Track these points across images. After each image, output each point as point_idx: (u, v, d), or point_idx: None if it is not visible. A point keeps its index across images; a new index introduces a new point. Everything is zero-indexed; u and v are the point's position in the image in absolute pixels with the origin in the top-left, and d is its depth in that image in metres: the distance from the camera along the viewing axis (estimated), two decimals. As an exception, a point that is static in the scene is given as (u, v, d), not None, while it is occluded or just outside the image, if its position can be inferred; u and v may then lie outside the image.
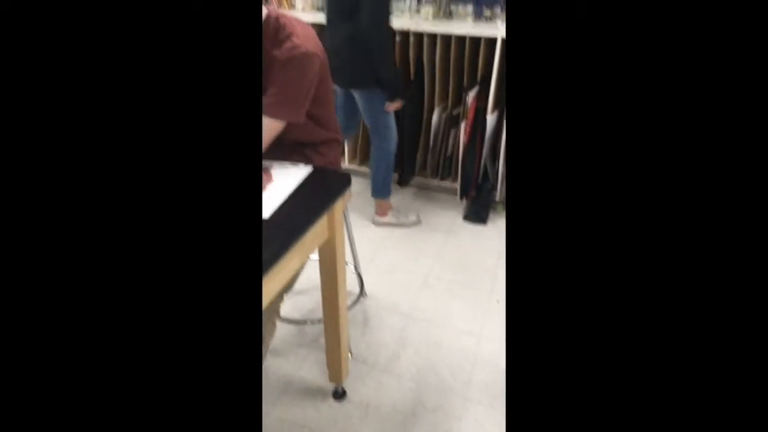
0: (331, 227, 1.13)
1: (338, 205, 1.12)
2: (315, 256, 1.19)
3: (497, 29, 2.07)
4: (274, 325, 1.20)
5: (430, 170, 2.55)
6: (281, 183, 1.09)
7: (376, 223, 2.27)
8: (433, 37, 2.23)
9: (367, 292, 1.83)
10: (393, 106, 1.92)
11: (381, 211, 2.26)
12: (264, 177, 1.11)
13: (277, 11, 1.12)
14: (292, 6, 2.59)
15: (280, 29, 1.09)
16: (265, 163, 1.18)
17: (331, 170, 1.16)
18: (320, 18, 2.35)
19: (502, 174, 2.33)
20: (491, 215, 2.33)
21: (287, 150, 1.27)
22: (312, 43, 1.11)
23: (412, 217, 2.29)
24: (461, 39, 2.23)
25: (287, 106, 1.13)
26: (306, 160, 1.31)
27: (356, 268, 1.82)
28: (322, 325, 1.57)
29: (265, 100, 1.13)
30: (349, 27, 1.73)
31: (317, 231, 1.06)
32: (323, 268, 1.21)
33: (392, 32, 1.92)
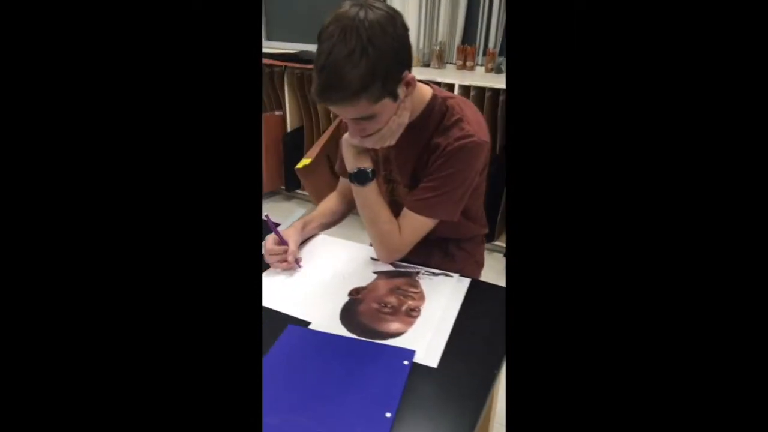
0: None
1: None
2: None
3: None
4: None
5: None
6: (437, 304, 0.86)
7: None
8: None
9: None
10: None
11: None
12: (414, 293, 0.89)
13: (444, 92, 0.92)
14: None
15: (447, 113, 0.89)
16: (409, 268, 0.97)
17: (496, 288, 0.92)
18: (418, 72, 2.19)
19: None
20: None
21: (426, 246, 1.05)
22: (482, 130, 0.90)
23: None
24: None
25: (445, 204, 0.92)
26: (447, 258, 1.08)
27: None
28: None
29: (418, 195, 0.92)
30: None
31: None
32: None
33: None
